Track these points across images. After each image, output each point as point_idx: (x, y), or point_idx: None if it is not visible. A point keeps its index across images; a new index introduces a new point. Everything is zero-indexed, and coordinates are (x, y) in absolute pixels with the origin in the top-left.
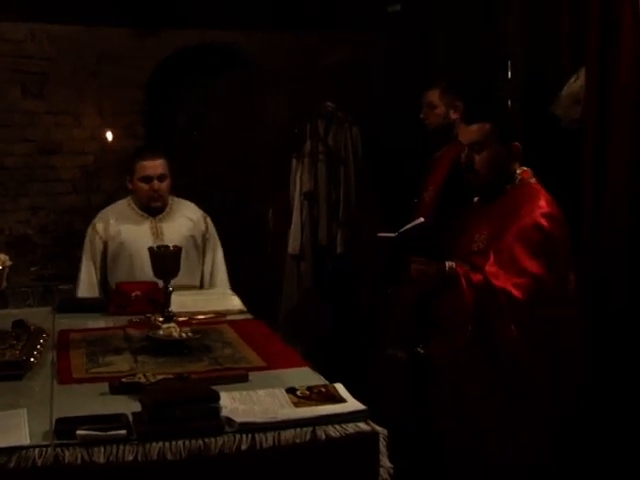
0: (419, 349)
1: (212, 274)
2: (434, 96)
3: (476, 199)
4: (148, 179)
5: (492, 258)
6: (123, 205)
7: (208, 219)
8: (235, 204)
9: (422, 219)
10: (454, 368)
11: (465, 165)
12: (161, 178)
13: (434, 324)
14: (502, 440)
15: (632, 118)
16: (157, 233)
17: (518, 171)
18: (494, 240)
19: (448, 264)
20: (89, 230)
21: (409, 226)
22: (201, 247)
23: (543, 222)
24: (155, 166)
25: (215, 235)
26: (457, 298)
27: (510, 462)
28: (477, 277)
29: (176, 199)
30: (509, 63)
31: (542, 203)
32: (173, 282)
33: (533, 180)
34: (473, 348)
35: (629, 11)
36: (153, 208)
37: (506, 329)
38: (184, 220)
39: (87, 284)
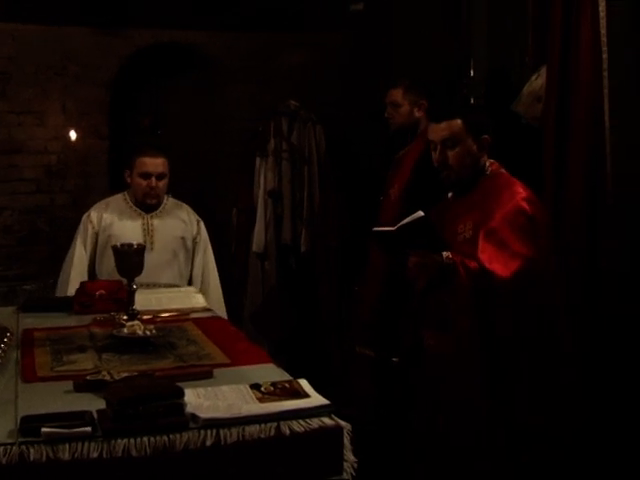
0: (393, 359)
1: (203, 278)
2: (397, 95)
3: (450, 195)
4: (147, 175)
5: (482, 244)
6: (119, 199)
7: (201, 224)
8: (199, 203)
9: (421, 213)
10: (451, 358)
11: (438, 162)
12: (160, 177)
13: (429, 316)
14: (494, 433)
15: (590, 116)
16: (148, 230)
17: (487, 163)
18: (480, 226)
19: (445, 254)
20: (84, 218)
21: (408, 220)
22: (191, 250)
23: (525, 205)
24: (156, 164)
25: (207, 240)
26: (456, 286)
27: (502, 456)
28: (473, 264)
29: (171, 199)
30: (472, 61)
31: (520, 189)
32: (159, 282)
33: (502, 170)
34: (472, 333)
35: (589, 12)
36: (148, 205)
37: (503, 311)
38: (176, 221)
39: (79, 272)
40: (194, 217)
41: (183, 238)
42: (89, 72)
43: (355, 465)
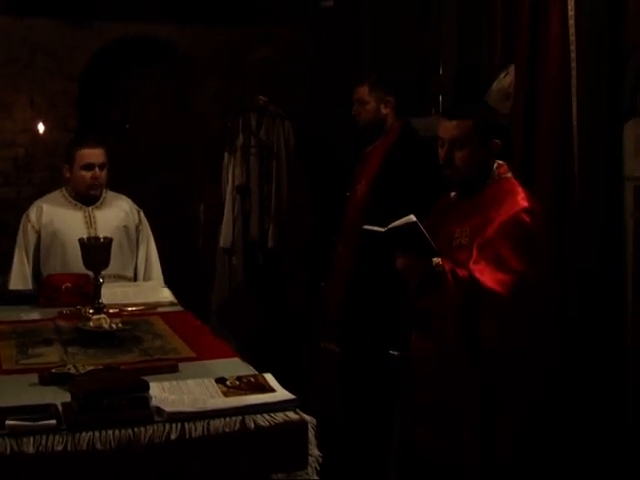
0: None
1: (146, 267)
2: (363, 92)
3: (453, 194)
4: (90, 167)
5: (476, 254)
6: (57, 195)
7: (141, 213)
8: (167, 197)
9: (413, 218)
10: (436, 364)
11: (444, 161)
12: (102, 166)
13: (416, 320)
14: (477, 440)
15: (558, 114)
16: (90, 222)
17: (495, 166)
18: (477, 235)
19: (435, 260)
20: (22, 219)
21: (399, 223)
22: (134, 239)
23: (525, 218)
24: (97, 154)
25: (148, 229)
26: (444, 294)
27: (485, 462)
28: (463, 273)
29: (110, 192)
30: (441, 59)
31: (522, 199)
32: (105, 272)
33: (509, 175)
34: (457, 343)
35: (558, 10)
36: (90, 197)
37: (490, 325)
38: (117, 211)
39: (19, 276)
40: (134, 207)
41: (126, 227)
42: (58, 65)
43: (320, 459)
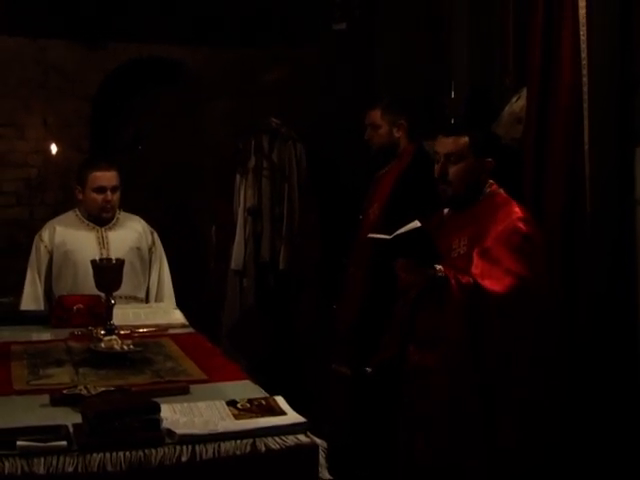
0: (367, 368)
1: (158, 288)
2: (376, 116)
3: (446, 211)
4: (102, 190)
5: (476, 260)
6: (70, 215)
7: (155, 234)
8: (178, 218)
9: (418, 223)
10: (435, 374)
11: (439, 175)
12: (114, 189)
13: (415, 331)
14: (478, 441)
15: (570, 137)
16: (103, 243)
17: (486, 185)
18: (475, 243)
19: (438, 267)
20: (35, 239)
21: (404, 230)
22: (147, 260)
23: (521, 225)
24: (109, 177)
25: (161, 250)
26: (448, 299)
27: (486, 462)
28: (466, 279)
29: (123, 212)
30: (452, 81)
31: (516, 209)
32: (117, 293)
33: (501, 191)
34: (461, 350)
35: (569, 34)
36: (103, 218)
37: (494, 327)
38: (131, 232)
39: (31, 296)
40: (148, 228)
41: (139, 249)
42: (71, 85)
43: None
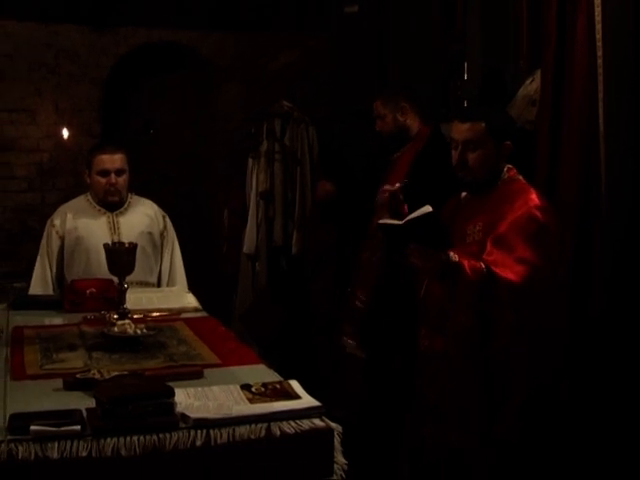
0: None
1: (170, 273)
2: (379, 107)
3: (463, 194)
4: (105, 173)
5: (489, 247)
6: (81, 200)
7: (167, 218)
8: (191, 203)
9: (430, 208)
10: (444, 358)
11: (457, 162)
12: (119, 172)
13: (426, 314)
14: (485, 426)
15: (585, 119)
16: (114, 228)
17: (505, 169)
18: (490, 230)
19: (450, 253)
20: (47, 225)
21: (416, 215)
22: (159, 245)
23: (537, 214)
24: (113, 160)
25: (173, 234)
26: (461, 283)
27: (492, 455)
28: (479, 265)
29: (135, 196)
30: (466, 64)
31: (534, 197)
32: (128, 279)
33: (520, 177)
34: (471, 335)
35: (584, 16)
36: (110, 203)
37: (505, 314)
38: (142, 216)
39: (40, 280)
40: (160, 212)
41: (150, 233)
42: (82, 70)
43: (345, 467)
